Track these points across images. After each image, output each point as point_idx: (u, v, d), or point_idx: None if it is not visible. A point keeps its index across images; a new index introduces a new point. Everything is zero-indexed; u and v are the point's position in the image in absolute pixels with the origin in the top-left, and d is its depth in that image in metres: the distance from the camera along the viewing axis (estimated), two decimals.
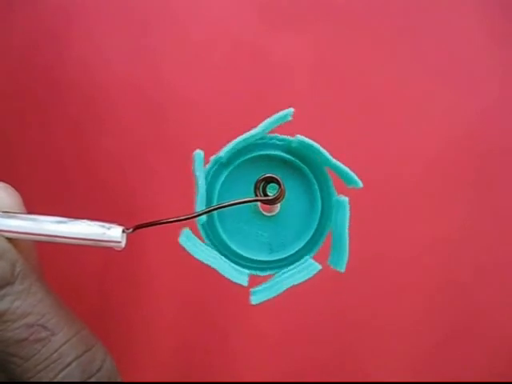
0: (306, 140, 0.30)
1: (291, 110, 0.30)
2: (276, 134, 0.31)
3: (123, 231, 0.29)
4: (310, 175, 0.31)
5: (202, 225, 0.31)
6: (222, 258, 0.31)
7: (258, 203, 0.31)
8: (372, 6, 0.53)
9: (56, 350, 0.28)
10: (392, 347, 0.55)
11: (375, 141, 0.54)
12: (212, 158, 0.30)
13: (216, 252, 0.31)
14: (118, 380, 0.30)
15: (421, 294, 0.54)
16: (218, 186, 0.31)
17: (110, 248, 0.29)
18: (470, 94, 0.53)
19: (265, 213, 0.32)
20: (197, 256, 0.30)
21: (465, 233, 0.54)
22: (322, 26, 0.53)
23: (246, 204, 0.31)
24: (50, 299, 0.29)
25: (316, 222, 0.32)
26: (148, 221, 0.29)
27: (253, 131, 0.30)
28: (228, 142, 0.30)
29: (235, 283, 0.31)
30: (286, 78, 0.53)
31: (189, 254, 0.30)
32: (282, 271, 0.31)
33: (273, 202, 0.31)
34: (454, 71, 0.54)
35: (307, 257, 0.31)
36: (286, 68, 0.53)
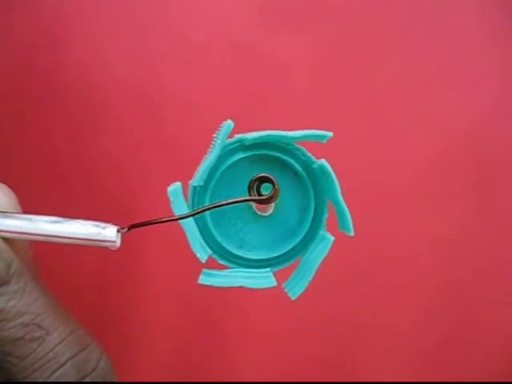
0: (328, 167, 0.30)
1: (331, 134, 0.30)
2: (302, 148, 0.31)
3: (118, 231, 0.29)
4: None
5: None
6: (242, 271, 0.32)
7: (253, 203, 0.31)
8: (372, 6, 0.53)
9: (51, 350, 0.28)
10: (392, 347, 0.55)
11: (375, 141, 0.54)
12: (237, 135, 0.30)
13: (237, 270, 0.32)
14: (114, 379, 0.30)
15: (421, 293, 0.54)
16: (226, 164, 0.31)
17: (106, 248, 0.29)
18: (470, 94, 0.53)
19: (259, 213, 0.32)
20: (223, 285, 0.31)
21: (465, 233, 0.54)
22: (321, 26, 0.53)
23: (239, 204, 0.31)
24: (45, 299, 0.29)
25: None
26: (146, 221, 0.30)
27: (285, 132, 0.30)
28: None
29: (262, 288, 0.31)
30: (285, 79, 0.53)
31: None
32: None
33: (266, 201, 0.31)
34: (454, 71, 0.54)
35: (268, 269, 0.32)
36: (286, 68, 0.53)
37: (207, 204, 0.30)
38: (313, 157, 0.31)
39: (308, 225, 0.32)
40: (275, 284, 0.31)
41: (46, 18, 0.52)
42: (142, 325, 0.55)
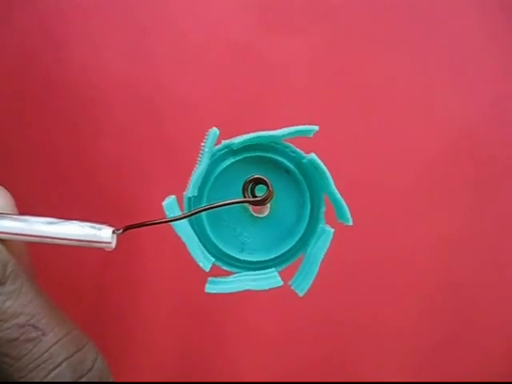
0: (317, 161, 0.30)
1: (316, 127, 0.30)
2: (291, 145, 0.31)
3: (113, 232, 0.29)
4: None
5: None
6: (248, 274, 0.32)
7: (249, 206, 0.31)
8: (371, 6, 0.53)
9: (47, 350, 0.28)
10: (392, 347, 0.55)
11: (375, 141, 0.54)
12: (224, 141, 0.31)
13: (242, 274, 0.32)
14: (110, 380, 0.30)
15: (421, 294, 0.54)
16: (216, 171, 0.31)
17: (101, 249, 0.29)
18: (470, 94, 0.53)
19: (256, 215, 0.32)
20: (230, 291, 0.31)
21: (465, 233, 0.54)
22: (321, 26, 0.52)
23: (235, 205, 0.31)
24: (41, 299, 0.29)
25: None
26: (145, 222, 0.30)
27: (272, 132, 0.30)
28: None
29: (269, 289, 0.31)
30: (284, 79, 0.53)
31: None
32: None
33: (261, 202, 0.31)
34: (454, 71, 0.54)
35: (273, 269, 0.32)
36: (285, 68, 0.53)
37: (202, 206, 0.30)
38: (302, 152, 0.31)
39: (306, 220, 0.32)
40: (281, 283, 0.31)
41: (45, 17, 0.52)
42: (142, 325, 0.55)
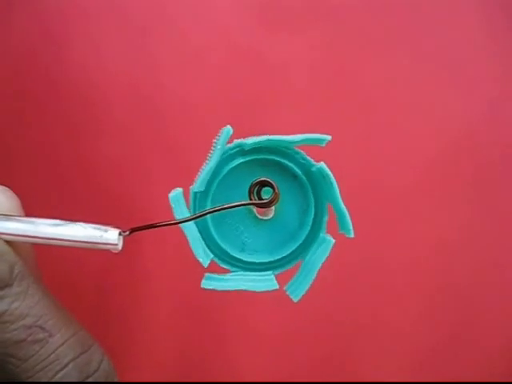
0: (327, 170, 0.30)
1: (329, 137, 0.30)
2: (301, 151, 0.31)
3: (120, 234, 0.29)
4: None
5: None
6: (247, 275, 0.32)
7: (254, 207, 0.32)
8: (371, 6, 0.53)
9: (54, 351, 0.28)
10: (392, 347, 0.55)
11: (375, 141, 0.54)
12: (236, 140, 0.31)
13: (239, 273, 0.32)
14: (115, 381, 0.30)
15: (421, 294, 0.54)
16: (225, 169, 0.31)
17: (107, 250, 0.29)
18: (470, 94, 0.53)
19: (260, 217, 0.32)
20: (225, 288, 0.31)
21: (465, 233, 0.54)
22: (321, 26, 0.52)
23: (240, 208, 0.31)
24: (48, 301, 0.29)
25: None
26: (146, 223, 0.30)
27: (284, 137, 0.30)
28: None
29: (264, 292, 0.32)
30: (285, 79, 0.53)
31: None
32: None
33: (266, 205, 0.31)
34: (454, 71, 0.54)
35: (270, 272, 0.32)
36: (285, 69, 0.53)
37: (208, 209, 0.31)
38: (312, 160, 0.31)
39: (308, 227, 0.32)
40: (277, 287, 0.31)
41: (45, 18, 0.52)
42: (142, 325, 0.55)
